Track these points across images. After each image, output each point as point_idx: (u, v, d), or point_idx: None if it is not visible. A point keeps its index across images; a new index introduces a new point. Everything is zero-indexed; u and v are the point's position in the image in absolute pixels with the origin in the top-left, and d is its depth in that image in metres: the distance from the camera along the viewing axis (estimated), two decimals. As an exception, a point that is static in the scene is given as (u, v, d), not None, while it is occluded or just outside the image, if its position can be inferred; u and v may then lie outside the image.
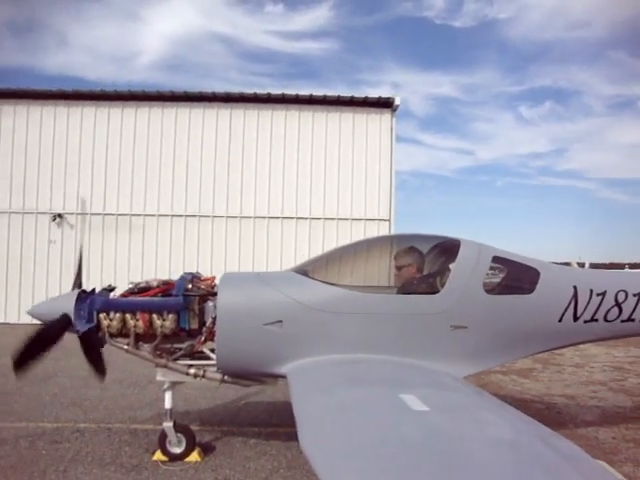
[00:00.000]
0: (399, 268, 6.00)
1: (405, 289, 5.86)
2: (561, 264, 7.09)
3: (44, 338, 5.39)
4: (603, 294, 6.14)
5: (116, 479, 5.39)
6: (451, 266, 5.76)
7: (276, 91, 17.82)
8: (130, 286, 5.81)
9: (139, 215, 17.58)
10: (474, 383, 9.29)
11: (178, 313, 5.51)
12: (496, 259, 5.92)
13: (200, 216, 17.56)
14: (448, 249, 6.01)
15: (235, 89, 17.91)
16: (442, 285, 5.63)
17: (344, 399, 3.89)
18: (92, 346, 5.75)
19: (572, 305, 6.02)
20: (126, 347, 5.66)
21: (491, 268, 6.07)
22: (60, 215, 17.43)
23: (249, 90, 17.74)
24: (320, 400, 3.97)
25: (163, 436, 5.88)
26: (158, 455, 5.89)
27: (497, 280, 6.10)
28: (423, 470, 2.67)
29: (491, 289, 5.84)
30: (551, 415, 7.89)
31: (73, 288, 5.94)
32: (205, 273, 6.32)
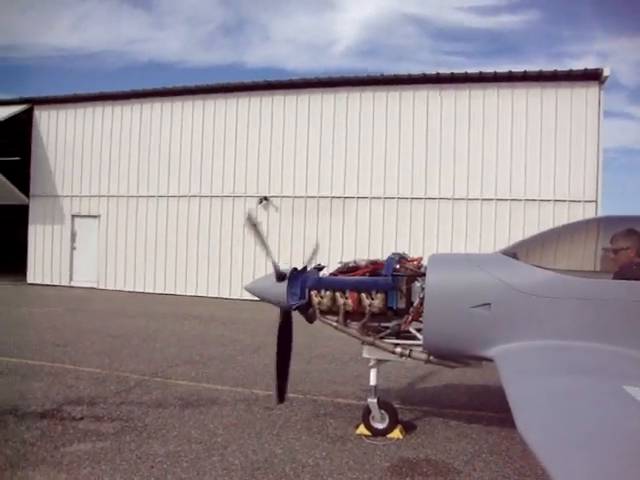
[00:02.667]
0: (616, 251, 5.54)
1: (622, 274, 5.40)
2: None
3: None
4: None
5: (323, 447, 5.69)
6: None
7: (473, 70, 17.37)
8: (339, 265, 6.04)
9: (339, 197, 18.19)
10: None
11: (386, 292, 5.63)
12: None
13: (398, 198, 17.71)
14: None
15: (429, 70, 17.69)
16: None
17: (563, 386, 3.71)
18: (288, 326, 6.17)
19: None
20: (335, 324, 5.91)
21: None
22: (266, 198, 18.63)
23: (442, 69, 17.48)
24: (536, 385, 3.83)
25: (367, 411, 6.06)
26: (361, 429, 6.09)
27: None
28: None
29: None
30: None
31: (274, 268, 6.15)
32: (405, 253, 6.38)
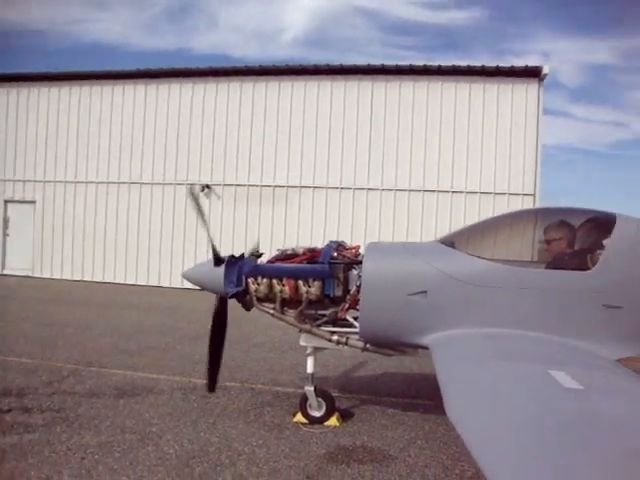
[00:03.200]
0: (548, 242, 5.71)
1: (554, 264, 5.57)
2: None
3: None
4: None
5: (260, 435, 5.67)
6: (605, 242, 5.39)
7: (418, 63, 17.52)
8: (277, 253, 6.01)
9: (282, 187, 18.12)
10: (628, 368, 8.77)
11: (323, 280, 5.63)
12: None
13: (341, 188, 17.76)
14: (602, 224, 5.61)
15: (378, 62, 17.74)
16: (594, 262, 5.29)
17: (492, 372, 3.79)
18: (222, 314, 6.14)
19: None
20: (272, 311, 5.89)
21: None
22: (208, 186, 18.39)
23: (389, 62, 17.60)
24: (467, 372, 3.90)
25: (304, 399, 6.08)
26: (299, 417, 6.10)
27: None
28: (583, 450, 2.53)
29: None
30: None
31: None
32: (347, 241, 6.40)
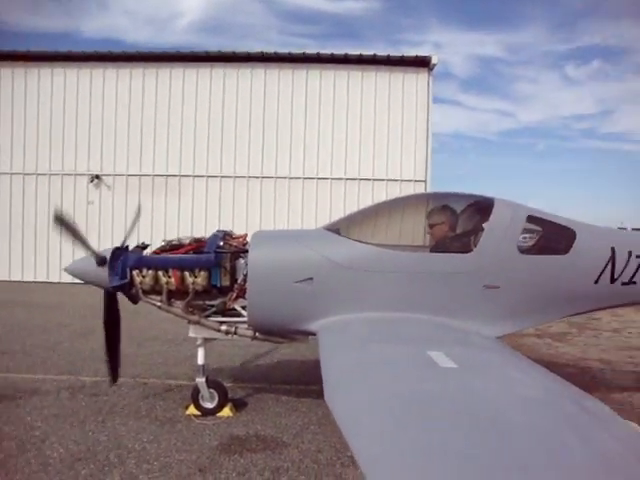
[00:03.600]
0: (432, 226, 5.92)
1: (437, 247, 5.79)
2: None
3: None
4: None
5: (151, 431, 5.53)
6: (484, 225, 5.65)
7: (311, 50, 17.61)
8: (163, 244, 5.87)
9: (175, 176, 17.69)
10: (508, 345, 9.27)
11: (209, 270, 5.55)
12: (531, 219, 5.78)
13: (235, 177, 17.59)
14: (482, 208, 5.88)
15: (273, 49, 17.68)
16: (475, 244, 5.55)
17: (371, 355, 3.88)
18: (113, 307, 5.97)
19: (609, 267, 5.86)
20: (159, 304, 5.75)
21: (527, 230, 5.94)
22: (98, 176, 17.67)
23: (284, 49, 17.57)
24: (347, 356, 3.98)
25: (196, 391, 6.00)
26: (191, 409, 6.02)
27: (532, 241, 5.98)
28: (448, 425, 2.64)
29: (525, 249, 5.72)
30: (585, 379, 7.77)
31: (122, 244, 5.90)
32: (241, 232, 6.34)
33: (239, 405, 6.28)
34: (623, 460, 2.39)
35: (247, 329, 5.74)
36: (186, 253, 5.63)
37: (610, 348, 10.10)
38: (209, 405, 5.99)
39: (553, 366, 8.60)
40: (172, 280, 5.57)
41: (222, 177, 17.59)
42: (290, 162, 17.56)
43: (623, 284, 5.94)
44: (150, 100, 17.75)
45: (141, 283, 5.64)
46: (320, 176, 17.49)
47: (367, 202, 16.03)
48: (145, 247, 5.98)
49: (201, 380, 5.93)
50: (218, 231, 5.96)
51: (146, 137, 17.72)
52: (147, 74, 17.79)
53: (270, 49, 17.61)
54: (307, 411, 6.19)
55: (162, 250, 5.78)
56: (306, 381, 7.33)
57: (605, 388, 7.42)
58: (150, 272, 5.60)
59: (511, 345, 9.53)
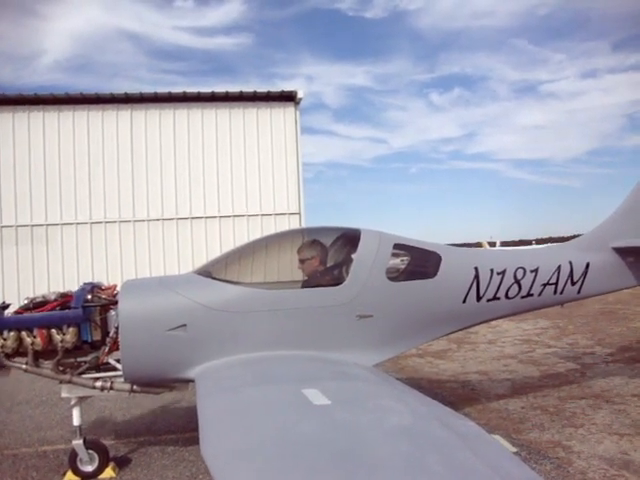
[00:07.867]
0: (302, 262, 6.00)
1: (309, 282, 5.88)
2: (473, 245, 7.32)
3: None
4: (503, 273, 6.38)
5: (23, 508, 5.16)
6: (353, 256, 5.82)
7: (177, 90, 17.47)
8: (25, 302, 5.54)
9: (41, 225, 16.72)
10: (390, 368, 9.56)
11: (79, 325, 5.32)
12: (397, 246, 6.02)
13: (106, 222, 16.89)
14: (350, 240, 6.06)
15: (145, 89, 17.30)
16: (346, 276, 5.69)
17: (247, 399, 3.86)
18: None
19: (474, 286, 6.22)
20: (25, 366, 5.41)
21: (398, 255, 6.19)
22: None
23: (153, 88, 17.30)
24: (223, 401, 3.93)
25: (73, 455, 5.68)
26: (69, 476, 5.69)
27: (401, 267, 6.22)
28: (317, 466, 2.68)
29: (394, 276, 5.94)
30: (465, 392, 8.15)
31: None
32: (116, 280, 6.12)
33: (122, 463, 6.00)
34: (484, 478, 2.53)
35: (124, 383, 5.51)
36: (52, 310, 5.34)
37: (486, 359, 10.69)
38: (89, 468, 5.67)
39: (436, 383, 8.98)
40: (38, 340, 5.26)
41: (92, 223, 16.83)
42: (162, 204, 17.15)
43: (488, 300, 6.32)
44: (7, 146, 16.70)
45: (2, 346, 5.27)
46: (194, 215, 17.24)
47: (243, 239, 16.10)
48: (6, 307, 5.60)
49: (78, 442, 5.62)
50: (85, 284, 5.73)
51: (5, 184, 16.59)
52: (17, 118, 16.74)
53: (136, 89, 17.26)
54: (195, 459, 6.02)
55: (25, 309, 5.45)
56: (192, 428, 7.03)
57: (484, 398, 7.82)
58: (12, 334, 5.26)
59: (394, 367, 9.96)
